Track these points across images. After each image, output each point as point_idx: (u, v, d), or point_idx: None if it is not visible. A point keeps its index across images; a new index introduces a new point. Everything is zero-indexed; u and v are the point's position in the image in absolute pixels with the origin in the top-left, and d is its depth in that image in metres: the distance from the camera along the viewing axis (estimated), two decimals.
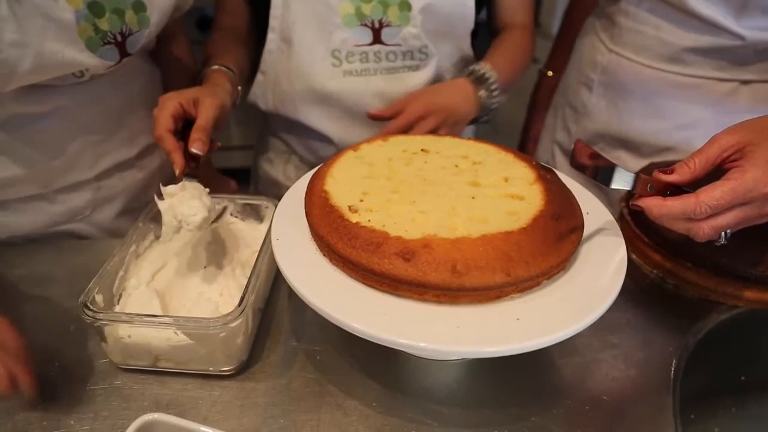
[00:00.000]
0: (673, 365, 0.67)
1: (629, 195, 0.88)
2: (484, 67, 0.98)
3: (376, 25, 0.95)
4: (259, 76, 1.05)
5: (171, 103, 0.75)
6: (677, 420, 0.62)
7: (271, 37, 0.99)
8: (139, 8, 0.79)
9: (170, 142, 0.72)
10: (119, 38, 0.78)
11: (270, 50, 1.01)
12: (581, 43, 1.16)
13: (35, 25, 0.68)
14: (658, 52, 0.97)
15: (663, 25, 0.95)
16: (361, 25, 0.95)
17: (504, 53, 1.05)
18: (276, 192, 0.70)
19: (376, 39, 0.96)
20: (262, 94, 1.06)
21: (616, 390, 0.64)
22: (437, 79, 1.03)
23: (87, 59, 0.74)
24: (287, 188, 0.71)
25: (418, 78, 1.01)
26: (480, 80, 0.98)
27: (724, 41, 0.90)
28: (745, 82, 0.94)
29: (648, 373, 0.66)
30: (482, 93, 0.97)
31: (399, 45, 0.97)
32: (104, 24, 0.75)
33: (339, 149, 1.04)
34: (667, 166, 0.90)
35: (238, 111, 1.01)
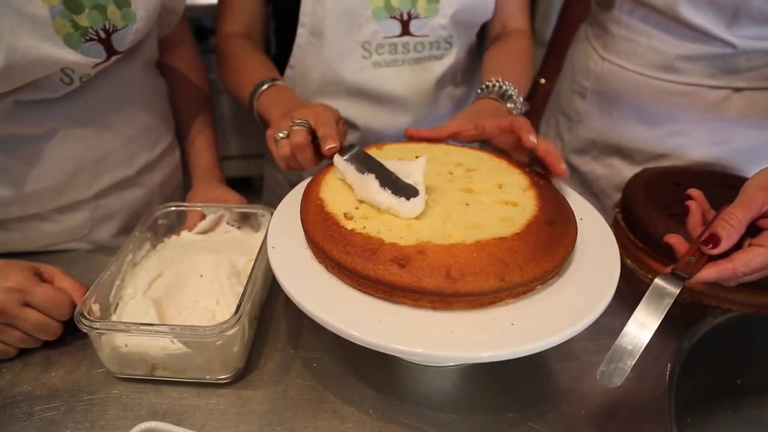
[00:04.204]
0: (669, 369, 0.68)
1: (623, 200, 0.89)
2: (503, 83, 0.94)
3: (405, 17, 0.97)
4: (288, 71, 1.06)
5: (336, 115, 0.77)
6: (673, 423, 0.62)
7: (301, 32, 1.00)
8: (122, 3, 0.77)
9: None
10: (102, 35, 0.76)
11: (299, 45, 1.02)
12: (574, 50, 1.16)
13: (7, 21, 0.66)
14: (650, 60, 0.98)
15: (655, 33, 0.96)
16: (390, 17, 0.96)
17: (512, 64, 1.04)
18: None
19: (405, 31, 0.98)
20: (290, 87, 1.06)
21: (612, 394, 0.64)
22: (456, 67, 1.05)
23: (67, 55, 0.72)
24: None
25: (441, 65, 1.03)
26: (503, 96, 0.94)
27: (716, 49, 0.91)
28: (738, 90, 0.95)
29: (643, 376, 0.67)
30: (510, 106, 0.94)
31: (426, 36, 0.99)
32: (83, 20, 0.73)
33: (365, 136, 1.06)
34: (661, 173, 0.92)
35: (236, 122, 1.00)
